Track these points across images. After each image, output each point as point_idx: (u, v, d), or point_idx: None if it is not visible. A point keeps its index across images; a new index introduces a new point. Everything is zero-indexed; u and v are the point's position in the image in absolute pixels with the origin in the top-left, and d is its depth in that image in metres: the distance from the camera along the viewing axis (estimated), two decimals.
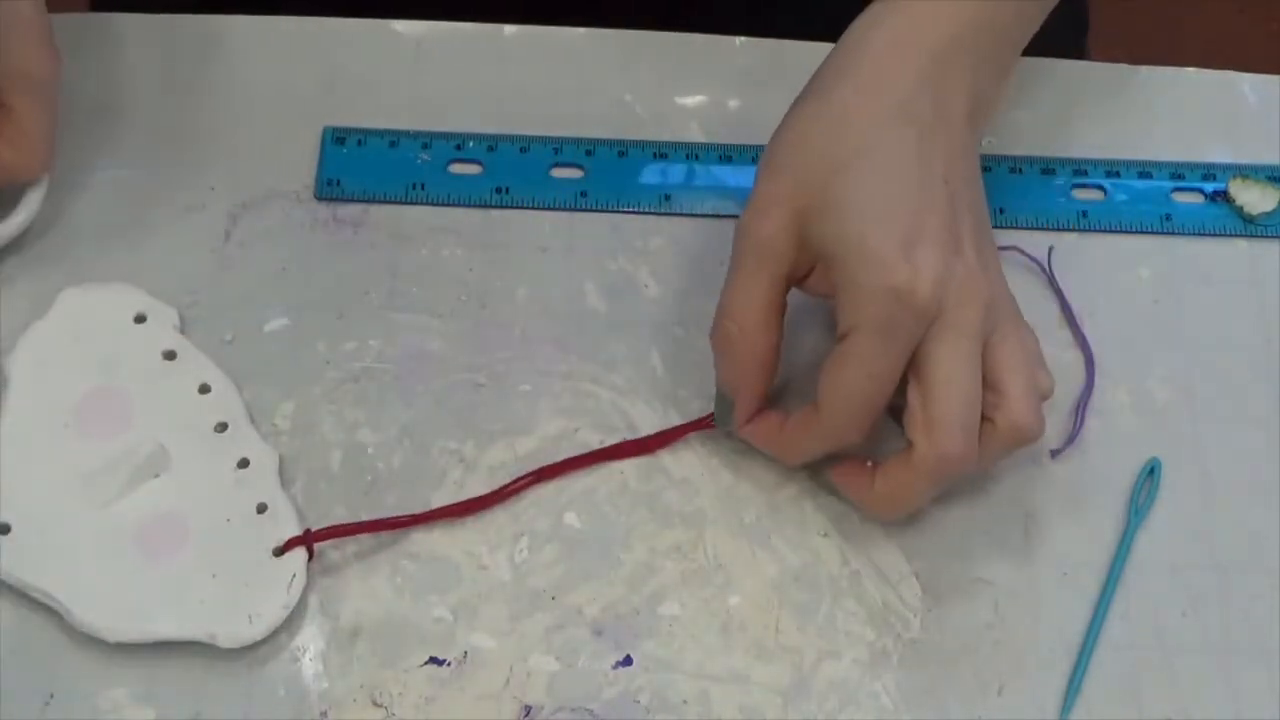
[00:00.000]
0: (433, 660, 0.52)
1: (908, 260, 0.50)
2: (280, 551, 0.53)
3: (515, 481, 0.55)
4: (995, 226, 0.61)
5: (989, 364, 0.52)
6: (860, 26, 0.55)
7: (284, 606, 0.52)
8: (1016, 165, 0.63)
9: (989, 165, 0.63)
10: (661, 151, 0.63)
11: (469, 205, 0.62)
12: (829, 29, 0.57)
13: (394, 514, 0.54)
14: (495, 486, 0.55)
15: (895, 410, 0.53)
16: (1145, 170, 0.64)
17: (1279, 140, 0.64)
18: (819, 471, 0.55)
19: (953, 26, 0.54)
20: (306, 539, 0.53)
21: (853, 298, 0.51)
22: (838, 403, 0.52)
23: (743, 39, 0.66)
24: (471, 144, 0.63)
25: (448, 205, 0.61)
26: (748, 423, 0.55)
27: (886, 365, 0.51)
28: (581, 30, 0.66)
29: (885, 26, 0.54)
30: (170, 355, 0.57)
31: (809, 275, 0.53)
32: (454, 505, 0.54)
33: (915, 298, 0.50)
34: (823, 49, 0.55)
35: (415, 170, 0.62)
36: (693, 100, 0.65)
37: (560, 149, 0.63)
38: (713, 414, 0.56)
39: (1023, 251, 0.61)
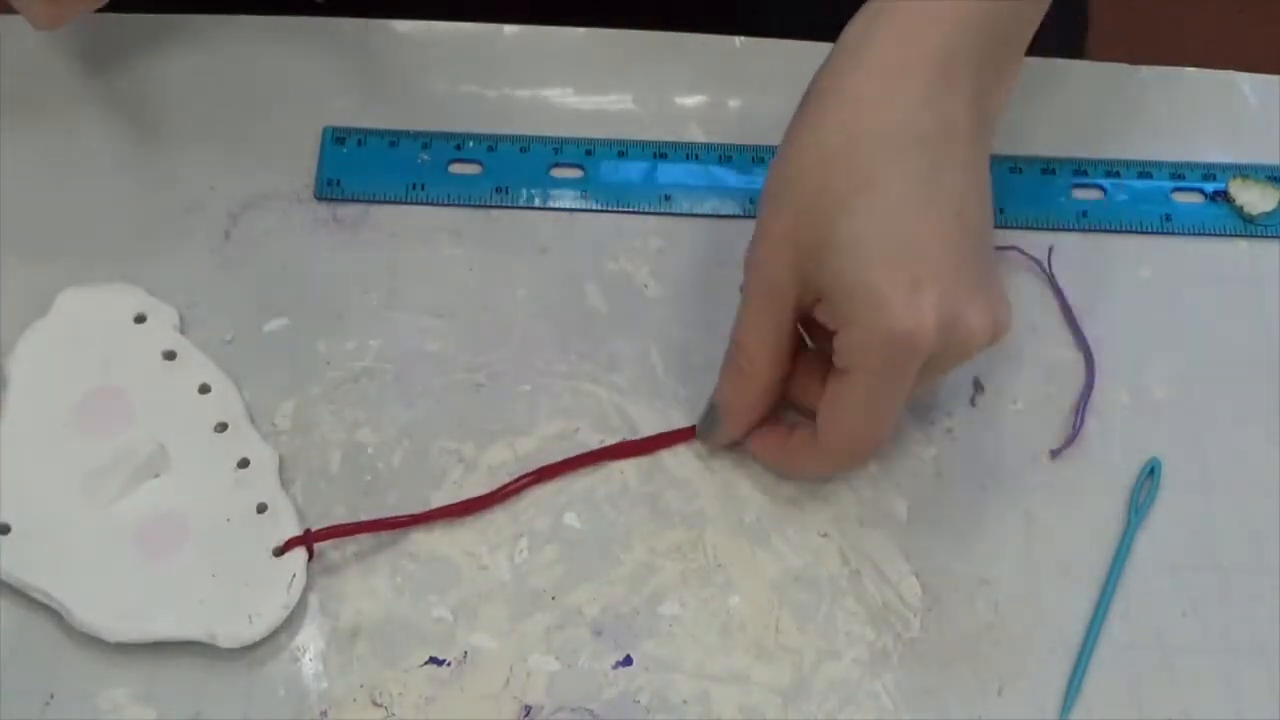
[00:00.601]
0: (433, 660, 0.52)
1: (912, 305, 0.48)
2: (280, 551, 0.53)
3: (515, 481, 0.55)
4: (995, 226, 0.62)
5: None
6: (855, 33, 0.52)
7: (284, 606, 0.52)
8: (1016, 165, 0.63)
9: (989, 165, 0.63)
10: (661, 151, 0.63)
11: (469, 205, 0.62)
12: (828, 29, 0.57)
13: (394, 514, 0.54)
14: (495, 486, 0.55)
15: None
16: (1145, 170, 0.64)
17: (1279, 140, 0.64)
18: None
19: (953, 30, 0.51)
20: (306, 539, 0.53)
21: (854, 339, 0.49)
22: (837, 438, 0.52)
23: (743, 39, 0.66)
24: (471, 144, 0.63)
25: (448, 205, 0.62)
26: (754, 436, 0.55)
27: (887, 405, 0.51)
28: (581, 30, 0.66)
29: (882, 34, 0.51)
30: (170, 355, 0.57)
31: (817, 303, 0.51)
32: (454, 505, 0.54)
33: (918, 343, 0.48)
34: (823, 49, 0.55)
35: (415, 170, 0.62)
36: (693, 100, 0.65)
37: (560, 149, 0.63)
38: (694, 426, 0.56)
39: (1023, 251, 0.61)
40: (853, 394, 0.50)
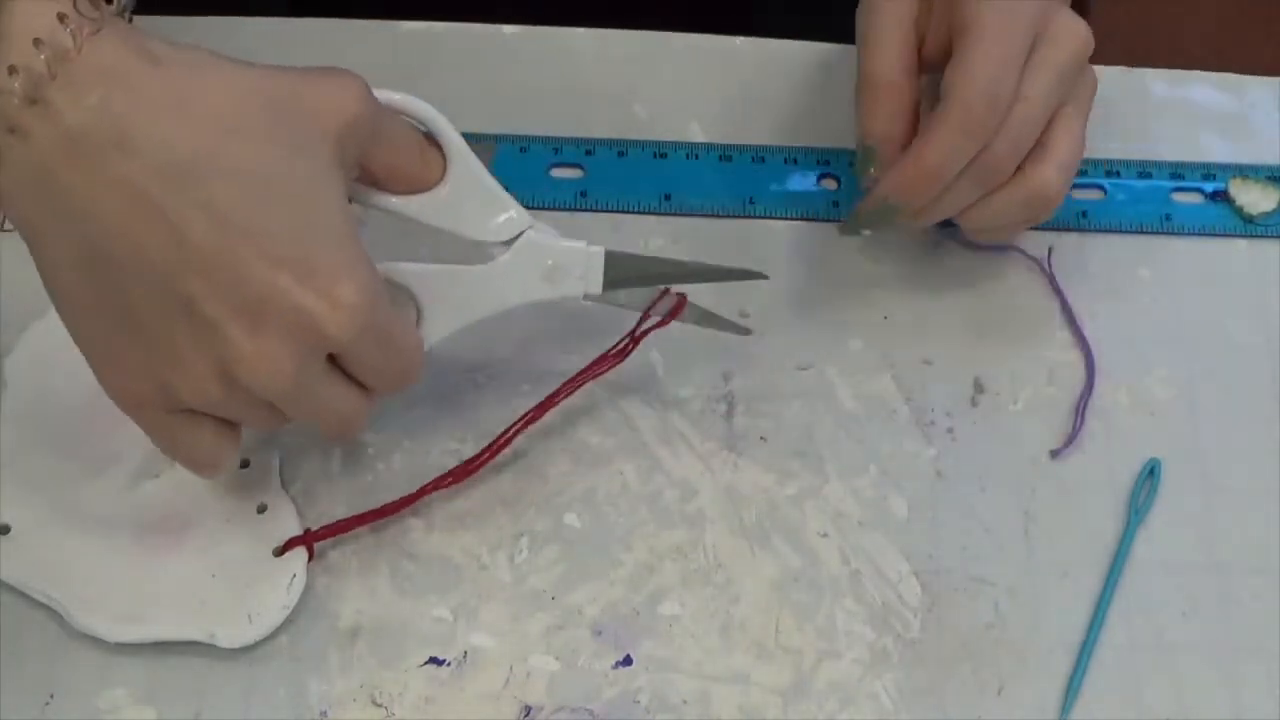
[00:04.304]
0: (433, 660, 0.52)
1: None
2: (280, 552, 0.53)
3: (506, 432, 0.55)
4: None
5: (1053, 123, 0.55)
6: None
7: (284, 607, 0.52)
8: None
9: None
10: (661, 151, 0.63)
11: None
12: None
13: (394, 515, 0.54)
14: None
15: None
16: (1145, 170, 0.64)
17: (1279, 140, 0.64)
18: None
19: None
20: (306, 539, 0.53)
21: None
22: (972, 91, 0.53)
23: (743, 39, 0.66)
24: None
25: None
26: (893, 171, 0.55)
27: (1015, 45, 0.53)
28: (581, 30, 0.66)
29: None
30: None
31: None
32: (449, 473, 0.54)
33: None
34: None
35: None
36: (693, 100, 0.65)
37: (560, 149, 0.63)
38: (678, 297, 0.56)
39: (1023, 251, 0.61)
40: (981, 38, 0.53)
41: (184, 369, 0.46)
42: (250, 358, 0.45)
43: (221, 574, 0.52)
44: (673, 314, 0.55)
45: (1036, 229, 0.62)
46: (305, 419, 0.49)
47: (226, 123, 0.45)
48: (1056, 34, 0.54)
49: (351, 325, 0.46)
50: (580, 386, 0.55)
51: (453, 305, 0.52)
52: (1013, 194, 0.55)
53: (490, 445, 0.54)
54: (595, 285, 0.53)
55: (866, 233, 0.58)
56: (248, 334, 0.45)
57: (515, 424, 0.55)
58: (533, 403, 0.57)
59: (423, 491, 0.54)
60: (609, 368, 0.55)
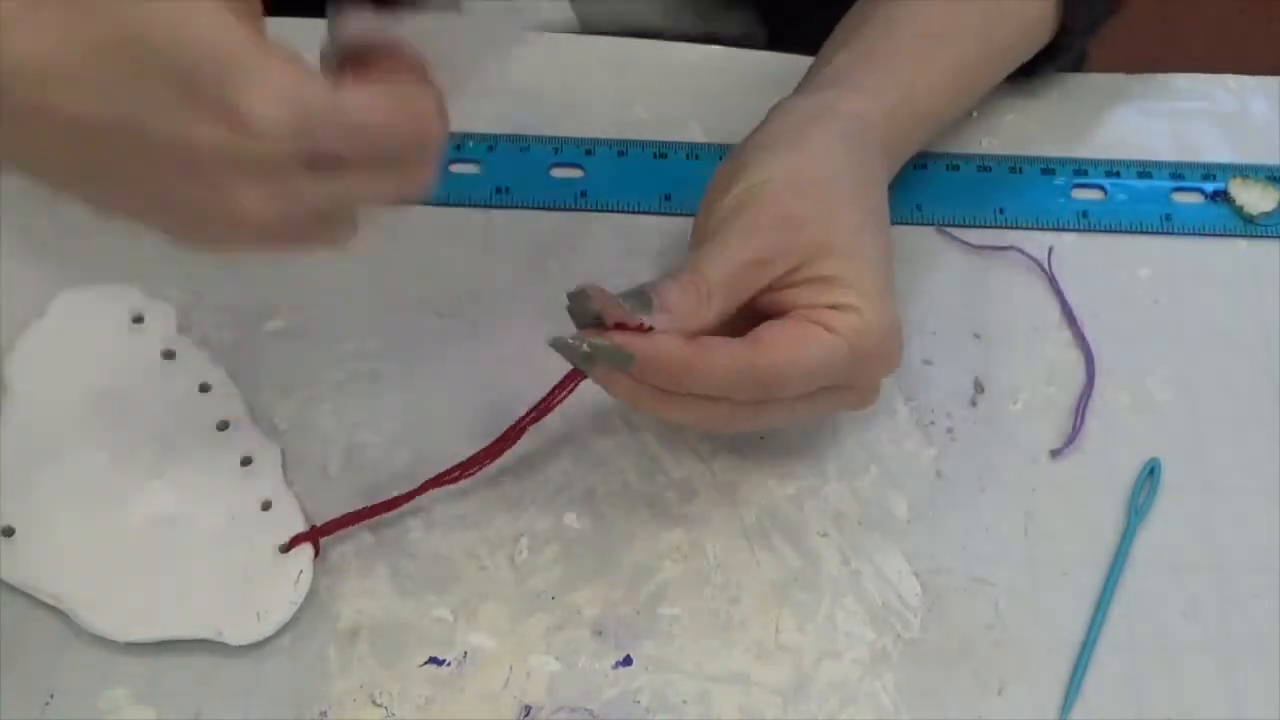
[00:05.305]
0: (433, 660, 0.52)
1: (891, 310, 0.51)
2: (287, 548, 0.53)
3: (508, 431, 0.54)
4: (995, 226, 0.62)
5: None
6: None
7: (291, 603, 0.52)
8: (1016, 165, 0.64)
9: (989, 165, 0.63)
10: (661, 151, 0.63)
11: (469, 205, 0.62)
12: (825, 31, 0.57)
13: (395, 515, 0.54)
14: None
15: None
16: (1145, 170, 0.64)
17: (1279, 140, 0.64)
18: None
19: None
20: (312, 534, 0.53)
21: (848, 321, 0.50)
22: (792, 373, 0.49)
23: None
24: (471, 144, 0.63)
25: (448, 205, 0.62)
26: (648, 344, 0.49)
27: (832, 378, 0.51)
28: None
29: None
30: (169, 355, 0.57)
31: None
32: (453, 470, 0.54)
33: (897, 349, 0.52)
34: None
35: None
36: (693, 100, 0.65)
37: (560, 149, 0.63)
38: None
39: (1023, 251, 0.61)
40: (822, 353, 0.49)
41: (213, 221, 0.42)
42: (229, 214, 0.41)
43: (228, 571, 0.52)
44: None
45: (1036, 229, 0.62)
46: (337, 208, 0.44)
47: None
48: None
49: (278, 138, 0.40)
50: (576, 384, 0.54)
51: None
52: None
53: (496, 441, 0.54)
54: None
55: (585, 349, 0.49)
56: (206, 192, 0.41)
57: (523, 418, 0.54)
58: (532, 402, 0.57)
59: (426, 486, 0.54)
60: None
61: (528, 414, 0.54)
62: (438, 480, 0.54)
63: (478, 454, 0.54)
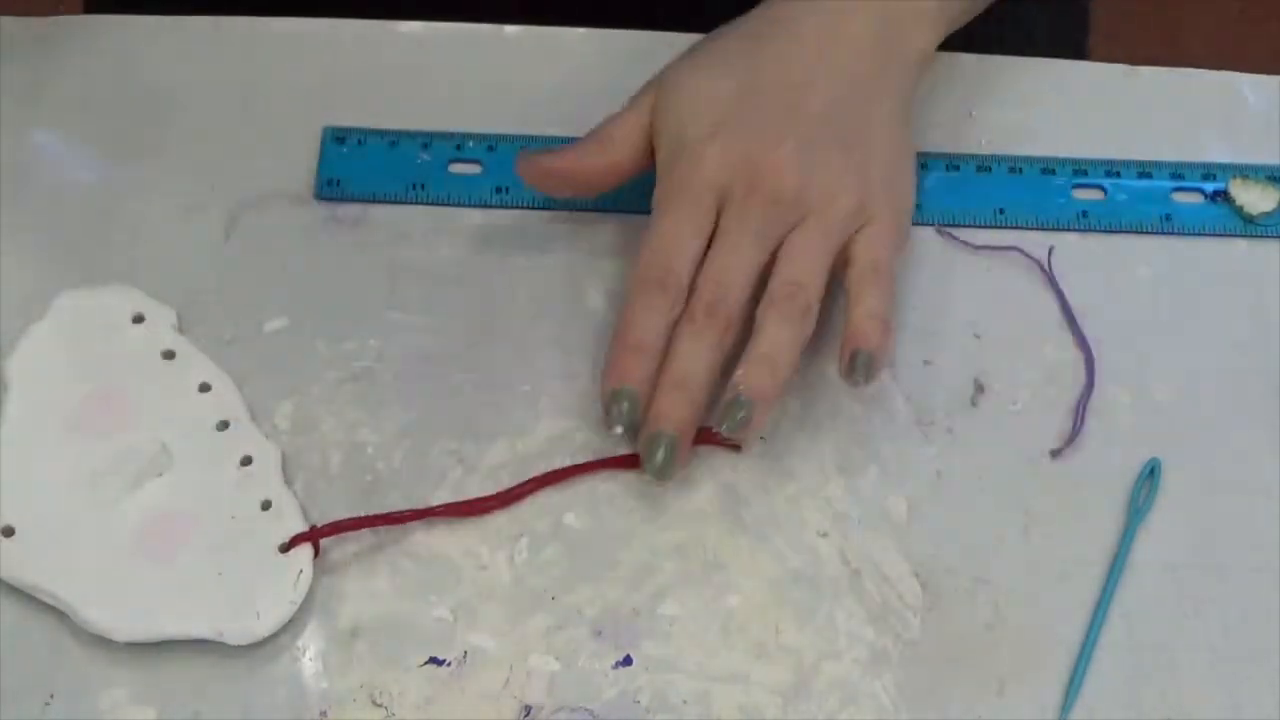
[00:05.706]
0: (433, 660, 0.52)
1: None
2: (286, 548, 0.53)
3: (522, 485, 0.55)
4: (995, 226, 0.62)
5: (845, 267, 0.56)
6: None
7: (291, 603, 0.52)
8: (1016, 165, 0.63)
9: (989, 165, 0.63)
10: None
11: (469, 205, 0.62)
12: None
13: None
14: (495, 487, 0.55)
15: None
16: (1145, 170, 0.64)
17: (1279, 140, 0.64)
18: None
19: None
20: (312, 535, 0.53)
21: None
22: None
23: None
24: (471, 144, 0.63)
25: (448, 205, 0.62)
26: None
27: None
28: (581, 30, 0.66)
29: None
30: (169, 355, 0.57)
31: None
32: (460, 504, 0.54)
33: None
34: None
35: (415, 170, 0.62)
36: None
37: None
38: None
39: (1023, 251, 0.61)
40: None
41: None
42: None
43: (228, 571, 0.52)
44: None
45: (1036, 229, 0.62)
46: None
47: None
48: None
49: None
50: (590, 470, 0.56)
51: None
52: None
53: (513, 488, 0.55)
54: None
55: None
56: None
57: (531, 481, 0.55)
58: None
59: (431, 512, 0.54)
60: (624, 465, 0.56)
61: (549, 473, 0.55)
62: (450, 509, 0.54)
63: (488, 498, 0.54)
